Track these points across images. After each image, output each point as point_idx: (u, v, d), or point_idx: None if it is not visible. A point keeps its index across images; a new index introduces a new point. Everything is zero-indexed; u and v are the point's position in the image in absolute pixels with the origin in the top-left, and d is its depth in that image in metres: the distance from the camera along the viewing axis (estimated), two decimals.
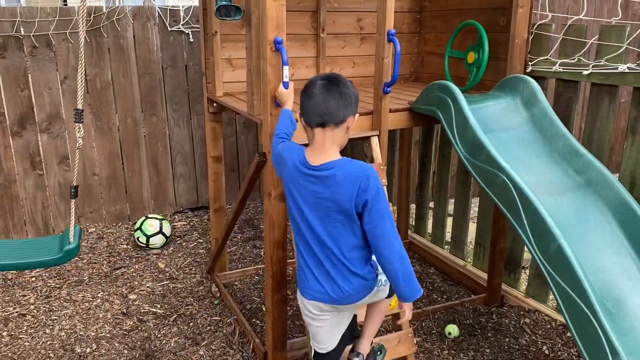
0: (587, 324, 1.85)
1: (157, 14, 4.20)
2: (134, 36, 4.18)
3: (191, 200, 4.73)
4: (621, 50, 2.53)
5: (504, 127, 2.56)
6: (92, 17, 4.00)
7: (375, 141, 2.56)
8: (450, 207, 3.86)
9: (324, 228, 1.82)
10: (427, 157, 3.97)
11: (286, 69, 2.19)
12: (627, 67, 2.47)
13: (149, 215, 4.07)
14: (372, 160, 2.56)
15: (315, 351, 2.08)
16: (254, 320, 3.03)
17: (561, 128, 2.45)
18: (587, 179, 2.32)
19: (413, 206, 4.47)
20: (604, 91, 2.64)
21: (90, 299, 3.23)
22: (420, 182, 4.08)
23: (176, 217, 4.59)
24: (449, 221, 3.86)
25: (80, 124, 2.64)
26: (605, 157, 2.69)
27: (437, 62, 3.51)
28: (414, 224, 4.34)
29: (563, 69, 2.78)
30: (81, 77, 2.60)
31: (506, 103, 2.63)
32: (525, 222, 2.08)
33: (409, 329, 2.45)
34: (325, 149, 1.82)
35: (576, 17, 2.80)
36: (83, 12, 2.52)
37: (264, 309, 3.12)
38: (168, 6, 4.25)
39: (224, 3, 2.32)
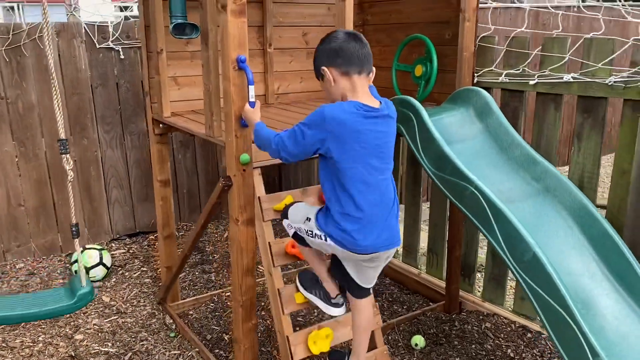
0: (567, 328, 1.91)
1: (83, 31, 3.94)
2: (59, 54, 3.89)
3: (128, 226, 4.46)
4: (564, 60, 2.67)
5: (460, 139, 2.61)
6: (10, 35, 3.68)
7: None
8: (401, 215, 3.90)
9: (384, 166, 1.88)
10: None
11: (252, 88, 2.10)
12: (572, 77, 2.61)
13: (87, 246, 3.78)
14: None
15: (359, 285, 2.03)
16: (217, 350, 2.88)
17: (516, 137, 2.53)
18: (546, 185, 2.41)
19: None
20: (550, 100, 2.76)
21: (31, 344, 2.94)
22: None
23: (113, 244, 4.31)
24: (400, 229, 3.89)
25: (67, 155, 2.43)
26: (554, 162, 2.82)
27: (383, 75, 3.54)
28: None
29: (509, 79, 2.89)
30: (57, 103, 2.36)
31: (460, 115, 2.68)
32: (497, 232, 2.12)
33: (384, 346, 2.43)
34: (368, 93, 1.86)
35: (518, 30, 2.93)
36: None
37: (226, 338, 2.98)
38: (96, 22, 4.00)
39: (179, 21, 2.19)
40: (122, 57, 4.10)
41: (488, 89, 3.00)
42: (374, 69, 1.89)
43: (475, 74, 3.03)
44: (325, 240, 1.91)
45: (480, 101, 2.65)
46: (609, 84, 2.46)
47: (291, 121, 2.69)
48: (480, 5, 2.87)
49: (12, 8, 18.31)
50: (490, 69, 3.00)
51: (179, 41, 2.96)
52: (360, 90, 1.84)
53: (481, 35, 3.04)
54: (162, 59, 2.79)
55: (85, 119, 4.08)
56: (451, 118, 2.66)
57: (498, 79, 2.93)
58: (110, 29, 4.02)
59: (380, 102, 1.88)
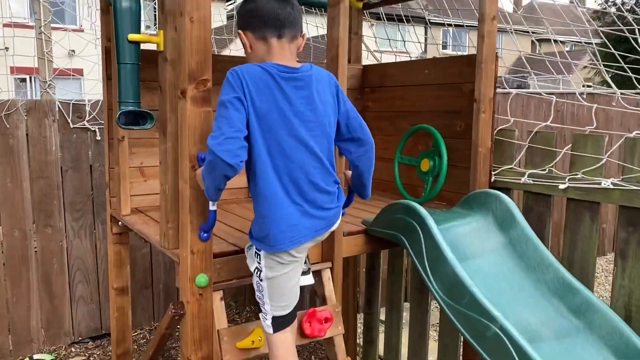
0: None
1: (57, 109, 3.59)
2: (27, 134, 3.51)
3: (93, 327, 3.90)
4: (601, 162, 2.23)
5: (477, 253, 2.13)
6: None
7: (327, 275, 2.04)
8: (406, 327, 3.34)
9: (315, 139, 1.63)
10: (374, 270, 3.48)
11: None
12: (612, 183, 2.15)
13: (34, 357, 3.23)
14: (323, 301, 2.02)
15: (275, 317, 1.70)
16: None
17: (547, 255, 2.05)
18: (588, 321, 1.89)
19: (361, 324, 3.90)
20: (584, 208, 2.30)
21: None
22: (368, 298, 3.55)
23: (73, 349, 3.74)
24: (404, 342, 3.32)
25: None
26: (592, 285, 2.31)
27: (384, 167, 3.11)
28: (362, 349, 3.76)
29: (533, 180, 2.44)
30: None
31: (477, 223, 2.22)
32: None
33: None
34: (288, 58, 1.62)
35: (543, 124, 2.51)
36: None
37: None
38: (71, 100, 3.65)
39: (129, 108, 1.79)
40: (98, 137, 3.72)
41: (507, 190, 2.55)
42: (304, 33, 1.67)
43: (492, 172, 2.58)
44: None
45: (502, 208, 2.19)
46: None
47: None
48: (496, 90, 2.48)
49: (24, 80, 18.49)
50: (510, 167, 2.56)
51: None
52: (279, 55, 1.60)
53: (498, 128, 2.63)
54: (123, 147, 2.37)
55: (51, 205, 3.64)
56: (466, 227, 2.19)
57: (520, 180, 2.48)
58: (87, 108, 3.67)
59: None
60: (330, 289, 2.01)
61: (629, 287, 2.15)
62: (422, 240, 1.96)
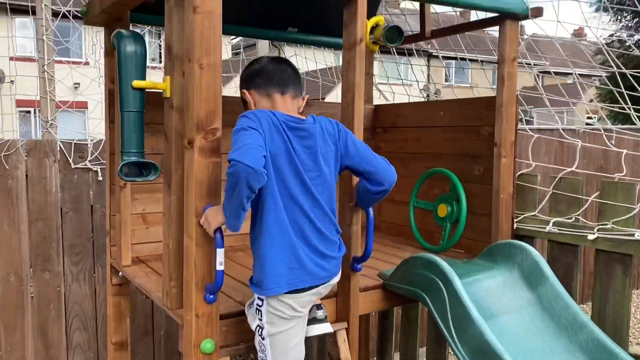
0: None
1: (58, 149, 3.48)
2: (26, 175, 3.40)
3: None
4: (634, 212, 2.09)
5: (504, 310, 1.98)
6: None
7: (342, 336, 1.88)
8: None
9: (316, 189, 1.62)
10: (387, 319, 3.31)
11: (221, 253, 1.52)
12: None
13: None
14: None
15: None
16: None
17: (580, 315, 1.89)
18: None
19: None
20: (615, 260, 2.15)
21: None
22: (381, 349, 3.37)
23: None
24: None
25: None
26: (625, 342, 2.14)
27: (398, 210, 2.98)
28: None
29: (558, 229, 2.30)
30: None
31: (502, 277, 2.07)
32: None
33: None
34: (292, 111, 1.66)
35: (569, 169, 2.38)
36: None
37: None
38: (73, 140, 3.55)
39: (132, 159, 1.67)
40: (100, 178, 3.60)
41: (531, 239, 2.42)
42: (306, 95, 1.76)
43: (514, 219, 2.45)
44: None
45: (528, 261, 2.04)
46: None
47: None
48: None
49: (28, 112, 18.49)
50: (533, 214, 2.42)
51: None
52: (283, 108, 1.65)
53: (519, 173, 2.51)
54: (125, 194, 2.25)
55: (49, 248, 3.50)
56: (491, 281, 2.05)
57: (545, 228, 2.34)
58: (90, 147, 3.56)
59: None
60: (346, 352, 1.85)
61: None
62: (446, 298, 1.81)
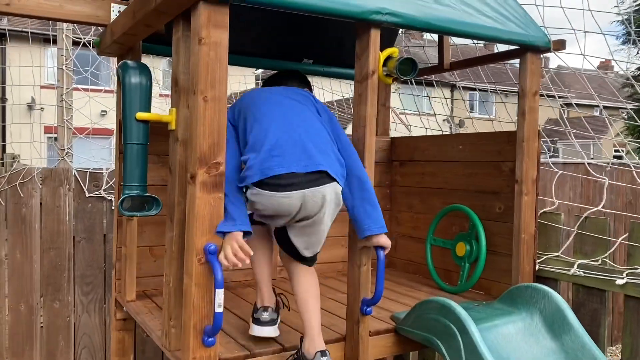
0: None
1: (73, 178, 3.48)
2: (40, 203, 3.39)
3: None
4: None
5: (524, 359, 1.84)
6: None
7: None
8: None
9: None
10: None
11: (220, 293, 1.44)
12: None
13: None
14: None
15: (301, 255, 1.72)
16: None
17: None
18: None
19: None
20: None
21: None
22: None
23: None
24: None
25: None
26: None
27: (414, 247, 2.87)
28: None
29: (583, 272, 2.17)
30: None
31: (523, 323, 1.94)
32: None
33: None
34: None
35: (595, 209, 2.26)
36: None
37: None
38: (89, 169, 3.55)
39: (133, 193, 1.61)
40: (114, 207, 3.58)
41: (554, 281, 2.28)
42: None
43: (537, 260, 2.32)
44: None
45: (551, 307, 1.91)
46: None
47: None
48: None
49: (56, 139, 18.82)
50: (557, 254, 2.29)
51: None
52: None
53: (542, 211, 2.39)
54: (131, 227, 2.20)
55: (60, 278, 3.46)
56: (510, 327, 1.92)
57: (569, 271, 2.21)
58: (105, 176, 3.55)
59: None
60: None
61: None
62: (462, 347, 1.69)
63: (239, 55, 2.58)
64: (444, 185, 2.68)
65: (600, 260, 2.15)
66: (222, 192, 1.49)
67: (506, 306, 2.03)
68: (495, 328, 1.90)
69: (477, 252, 2.37)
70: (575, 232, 2.24)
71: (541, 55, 2.21)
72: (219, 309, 1.43)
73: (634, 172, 2.78)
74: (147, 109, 1.63)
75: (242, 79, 6.75)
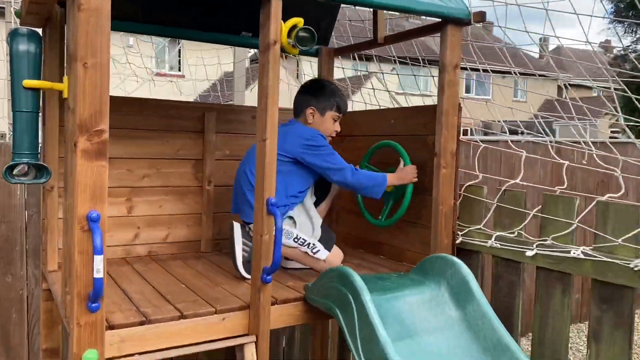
0: None
1: None
2: None
3: None
4: (572, 228, 1.97)
5: (428, 329, 1.88)
6: None
7: (250, 351, 1.80)
8: None
9: None
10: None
11: (98, 259, 1.46)
12: (582, 252, 1.89)
13: None
14: None
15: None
16: None
17: (505, 337, 1.77)
18: None
19: None
20: (555, 279, 2.03)
21: None
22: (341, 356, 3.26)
23: None
24: None
25: None
26: None
27: (354, 221, 2.89)
28: None
29: (501, 244, 2.19)
30: None
31: (430, 293, 1.96)
32: None
33: None
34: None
35: (512, 182, 2.27)
36: None
37: None
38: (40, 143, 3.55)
39: (23, 160, 1.62)
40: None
41: (477, 254, 2.31)
42: (307, 109, 2.39)
43: (459, 233, 2.34)
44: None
45: (457, 277, 1.93)
46: (635, 268, 1.73)
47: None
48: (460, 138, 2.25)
49: None
50: (479, 227, 2.31)
51: None
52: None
53: (467, 184, 2.40)
54: (52, 198, 2.21)
55: (12, 251, 3.49)
56: (416, 297, 1.94)
57: (487, 242, 2.23)
58: None
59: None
60: None
61: None
62: (355, 314, 1.72)
63: (159, 25, 2.56)
64: (376, 159, 2.68)
65: (516, 233, 2.17)
66: (105, 160, 1.50)
67: (418, 277, 2.05)
68: (403, 297, 1.92)
69: (402, 191, 2.36)
70: (495, 204, 2.26)
71: (463, 28, 2.20)
72: (98, 275, 1.45)
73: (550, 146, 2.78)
74: (37, 76, 1.63)
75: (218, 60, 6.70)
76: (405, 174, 2.33)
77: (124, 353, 1.65)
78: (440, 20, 2.17)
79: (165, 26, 2.56)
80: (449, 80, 2.17)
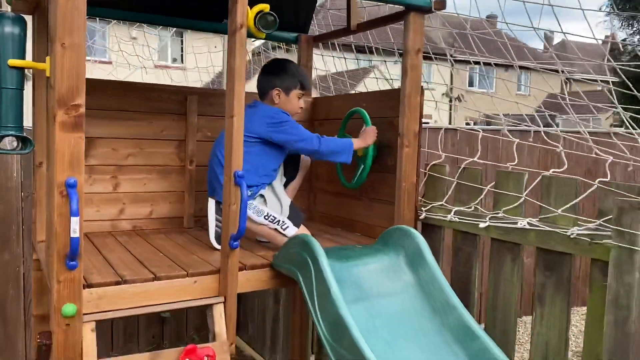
0: None
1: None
2: None
3: None
4: (520, 201, 2.12)
5: (384, 292, 2.03)
6: None
7: (219, 311, 1.96)
8: None
9: None
10: None
11: (75, 221, 1.62)
12: (528, 223, 2.04)
13: None
14: (214, 338, 1.94)
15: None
16: None
17: (452, 298, 1.93)
18: None
19: None
20: (506, 249, 2.18)
21: None
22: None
23: None
24: None
25: None
26: (512, 332, 2.17)
27: (330, 200, 3.05)
28: None
29: (459, 218, 2.34)
30: None
31: (389, 261, 2.12)
32: None
33: None
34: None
35: (470, 160, 2.42)
36: None
37: None
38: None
39: (9, 132, 1.79)
40: None
41: (439, 228, 2.46)
42: (273, 90, 2.48)
43: (423, 208, 2.49)
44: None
45: (413, 246, 2.09)
46: (571, 236, 1.87)
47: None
48: (426, 124, 2.41)
49: None
50: (441, 203, 2.46)
51: None
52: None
53: (432, 163, 2.55)
54: (41, 173, 2.37)
55: (9, 231, 3.67)
56: (377, 264, 2.10)
57: (447, 217, 2.38)
58: None
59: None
60: (221, 326, 1.93)
61: (547, 335, 2.01)
62: (314, 276, 1.87)
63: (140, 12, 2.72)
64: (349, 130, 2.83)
65: (473, 207, 2.32)
66: (82, 132, 1.66)
67: (380, 246, 2.21)
68: (364, 265, 2.08)
69: (366, 150, 2.51)
70: (455, 182, 2.41)
71: (425, 15, 2.34)
72: (75, 235, 1.61)
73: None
74: (21, 57, 1.78)
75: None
76: (367, 134, 2.46)
77: (101, 309, 1.82)
78: (403, 8, 2.31)
79: (148, 13, 2.72)
80: (412, 64, 2.32)
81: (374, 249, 2.20)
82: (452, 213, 2.35)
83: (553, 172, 2.03)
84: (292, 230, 2.32)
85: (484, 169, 2.42)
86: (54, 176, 1.65)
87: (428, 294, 2.00)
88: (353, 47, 4.63)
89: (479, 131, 3.28)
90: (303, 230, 2.39)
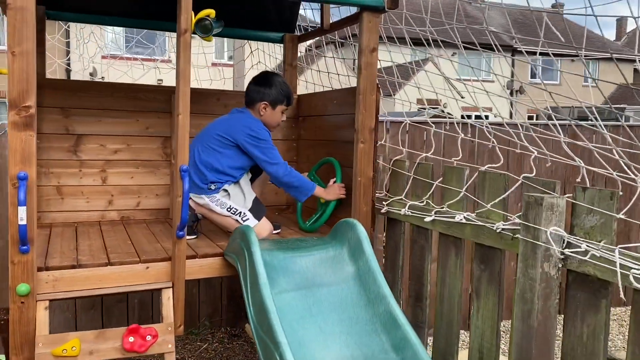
0: None
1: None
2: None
3: None
4: (459, 196, 2.15)
5: (326, 282, 2.13)
6: None
7: (167, 295, 2.12)
8: None
9: None
10: None
11: (21, 210, 1.82)
12: (464, 217, 2.07)
13: None
14: (162, 319, 2.10)
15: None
16: None
17: (383, 288, 2.01)
18: (403, 358, 1.83)
19: None
20: (450, 242, 2.22)
21: None
22: None
23: None
24: None
25: None
26: (456, 321, 2.20)
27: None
28: None
29: (412, 212, 2.39)
30: None
31: (334, 252, 2.21)
32: None
33: None
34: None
35: (423, 155, 2.46)
36: None
37: None
38: None
39: None
40: None
41: (399, 222, 2.52)
42: (261, 104, 2.59)
43: (384, 202, 2.56)
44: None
45: (355, 237, 2.17)
46: (497, 230, 1.90)
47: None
48: (389, 119, 2.47)
49: None
50: (400, 197, 2.52)
51: (67, 149, 2.83)
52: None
53: (395, 159, 2.61)
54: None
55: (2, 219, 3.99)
56: (321, 255, 2.20)
57: (401, 211, 2.44)
58: None
59: None
60: (168, 309, 2.09)
61: (482, 328, 2.04)
62: (247, 264, 2.00)
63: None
64: (323, 137, 2.93)
65: (425, 202, 2.36)
66: (33, 130, 1.85)
67: (330, 239, 2.30)
68: (309, 256, 2.18)
69: (327, 203, 2.61)
70: (412, 177, 2.45)
71: (381, 15, 2.40)
72: (22, 222, 1.82)
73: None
74: None
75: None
76: (332, 190, 2.58)
77: (57, 290, 2.02)
78: (358, 9, 2.38)
79: (123, 17, 2.93)
80: (367, 62, 2.38)
81: (324, 240, 2.30)
82: (407, 207, 2.41)
83: (488, 167, 2.05)
84: (252, 222, 2.45)
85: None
86: (8, 171, 1.86)
87: (364, 285, 2.08)
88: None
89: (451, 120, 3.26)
90: (263, 224, 2.51)
